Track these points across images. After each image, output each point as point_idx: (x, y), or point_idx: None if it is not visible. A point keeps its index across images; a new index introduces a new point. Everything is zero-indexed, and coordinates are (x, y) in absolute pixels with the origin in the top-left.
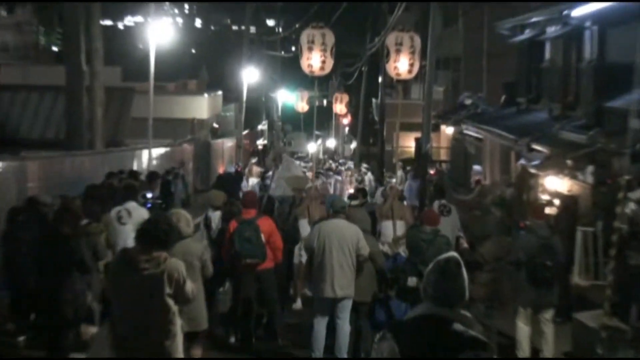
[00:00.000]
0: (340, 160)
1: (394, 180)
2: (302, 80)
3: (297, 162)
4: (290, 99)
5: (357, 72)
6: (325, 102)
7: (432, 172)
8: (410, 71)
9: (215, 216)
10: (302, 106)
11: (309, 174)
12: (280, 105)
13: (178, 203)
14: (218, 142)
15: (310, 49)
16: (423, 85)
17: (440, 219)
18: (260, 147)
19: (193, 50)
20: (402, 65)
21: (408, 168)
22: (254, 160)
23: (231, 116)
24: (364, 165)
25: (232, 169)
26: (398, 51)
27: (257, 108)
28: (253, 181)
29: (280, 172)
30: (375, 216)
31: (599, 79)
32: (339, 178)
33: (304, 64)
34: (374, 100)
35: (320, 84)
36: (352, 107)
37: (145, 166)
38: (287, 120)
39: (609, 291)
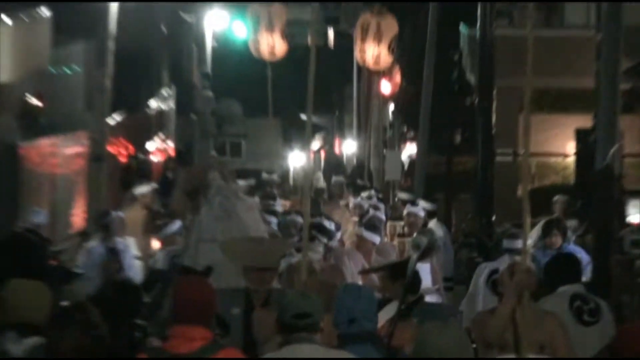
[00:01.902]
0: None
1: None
2: None
3: (256, 199)
4: (238, 29)
5: None
6: (332, 36)
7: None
8: None
9: None
10: (271, 46)
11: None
12: (210, 47)
13: None
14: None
15: None
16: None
17: None
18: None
19: None
20: None
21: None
22: (141, 191)
23: (78, 76)
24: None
25: (37, 219)
26: None
27: (146, 56)
28: (153, 253)
29: (205, 225)
30: None
31: None
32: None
33: None
34: (464, 29)
35: None
36: (400, 53)
37: None
38: (228, 89)
39: None
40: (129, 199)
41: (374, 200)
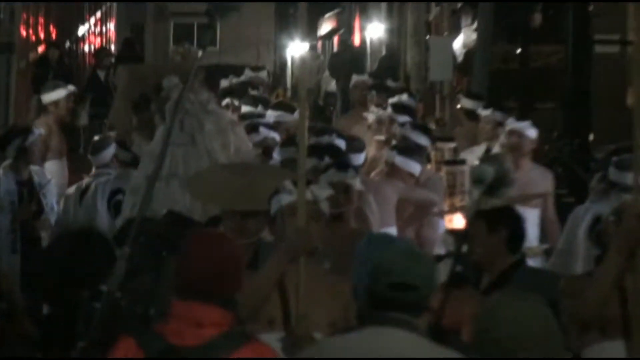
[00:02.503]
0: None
1: None
2: None
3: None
4: None
5: None
6: None
7: None
8: None
9: None
10: None
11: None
12: None
13: None
14: None
15: None
16: None
17: None
18: None
19: None
20: None
21: None
22: (52, 97)
23: None
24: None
25: None
26: None
27: None
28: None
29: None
30: None
31: None
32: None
33: None
34: None
35: None
36: None
37: None
38: None
39: None
40: (35, 108)
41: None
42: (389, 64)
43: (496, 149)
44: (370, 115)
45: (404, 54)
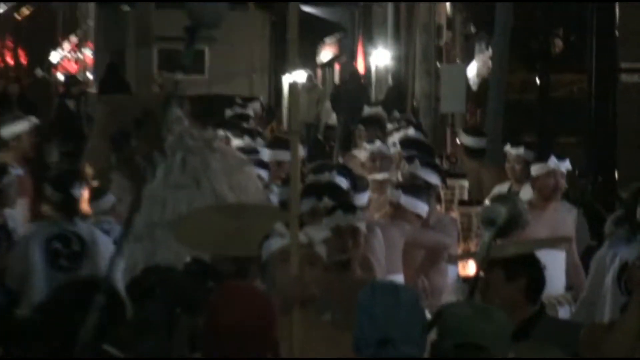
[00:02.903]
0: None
1: None
2: None
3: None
4: None
5: None
6: None
7: None
8: None
9: None
10: None
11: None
12: None
13: None
14: None
15: None
16: None
17: None
18: None
19: None
20: None
21: None
22: (13, 131)
23: None
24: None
25: None
26: None
27: None
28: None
29: (160, 198)
30: None
31: None
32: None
33: None
34: None
35: None
36: None
37: None
38: None
39: None
40: None
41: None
42: (395, 94)
43: (526, 190)
44: (363, 153)
45: (412, 83)
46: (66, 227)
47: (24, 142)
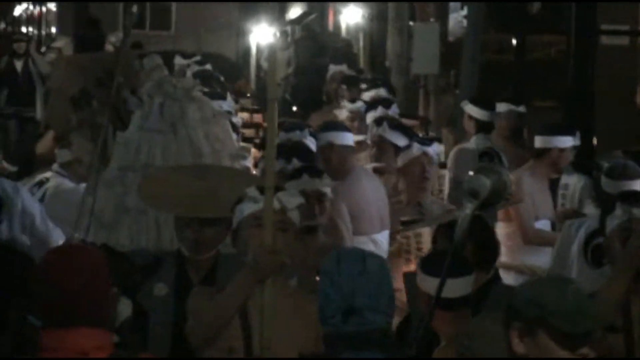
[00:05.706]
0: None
1: None
2: None
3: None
4: None
5: None
6: None
7: None
8: None
9: None
10: None
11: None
12: None
13: None
14: None
15: None
16: None
17: None
18: None
19: None
20: None
21: None
22: None
23: None
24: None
25: None
26: None
27: None
28: None
29: (138, 145)
30: None
31: None
32: None
33: None
34: None
35: None
36: None
37: None
38: None
39: None
40: None
41: (394, 109)
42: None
43: None
44: (343, 112)
45: (383, 41)
46: None
47: None
